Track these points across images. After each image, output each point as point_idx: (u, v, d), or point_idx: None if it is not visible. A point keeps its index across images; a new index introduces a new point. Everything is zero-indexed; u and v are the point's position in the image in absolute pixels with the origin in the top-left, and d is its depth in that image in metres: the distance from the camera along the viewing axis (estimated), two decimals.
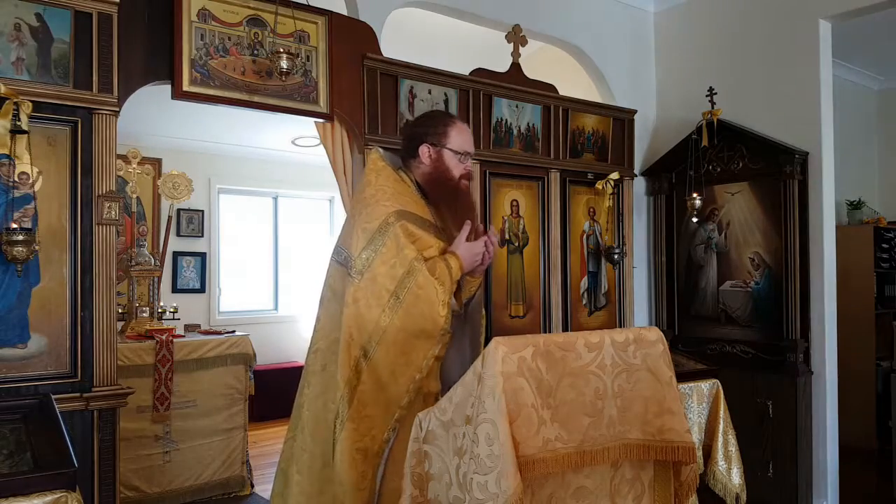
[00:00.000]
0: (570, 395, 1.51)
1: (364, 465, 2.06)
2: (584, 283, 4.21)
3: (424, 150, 2.28)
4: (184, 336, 4.51)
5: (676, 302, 4.73)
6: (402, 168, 2.35)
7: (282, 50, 2.85)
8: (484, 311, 2.50)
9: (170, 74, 2.75)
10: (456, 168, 2.29)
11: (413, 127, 2.43)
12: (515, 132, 3.87)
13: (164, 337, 4.19)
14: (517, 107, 3.87)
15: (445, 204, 2.30)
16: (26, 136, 2.33)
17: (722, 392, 3.27)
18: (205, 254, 6.79)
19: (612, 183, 4.20)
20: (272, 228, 7.59)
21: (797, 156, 4.12)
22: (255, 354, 4.63)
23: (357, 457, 2.06)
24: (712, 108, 4.35)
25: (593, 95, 4.69)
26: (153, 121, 5.68)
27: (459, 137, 2.30)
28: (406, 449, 1.90)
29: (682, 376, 3.08)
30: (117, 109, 2.57)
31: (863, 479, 4.93)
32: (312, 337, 2.30)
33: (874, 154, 6.83)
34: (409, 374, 2.06)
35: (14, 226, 2.29)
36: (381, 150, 2.38)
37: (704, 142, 4.33)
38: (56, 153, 2.45)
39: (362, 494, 2.06)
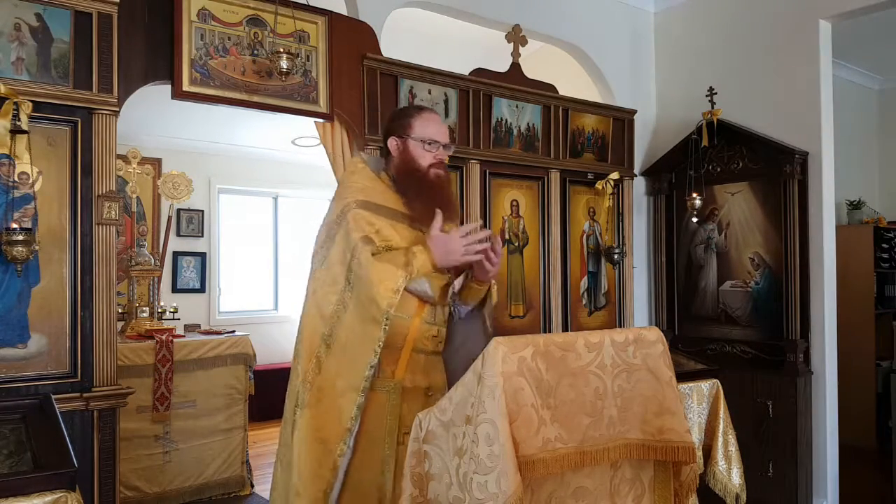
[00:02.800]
0: (570, 395, 1.51)
1: (323, 455, 2.06)
2: (584, 283, 4.21)
3: (392, 143, 2.31)
4: (184, 336, 4.51)
5: (676, 302, 4.73)
6: (385, 169, 2.36)
7: (282, 50, 2.85)
8: (490, 330, 2.39)
9: (170, 74, 2.76)
10: (422, 157, 2.27)
11: (385, 123, 2.45)
12: (515, 132, 3.87)
13: (164, 337, 4.19)
14: (517, 107, 3.87)
15: (414, 193, 2.26)
16: (26, 136, 2.33)
17: (722, 392, 3.27)
18: (205, 254, 6.79)
19: (612, 183, 4.20)
20: (272, 228, 7.59)
21: (797, 156, 4.12)
22: (255, 354, 4.63)
23: (317, 447, 2.07)
24: (712, 108, 4.35)
25: (593, 95, 4.69)
26: (153, 121, 5.68)
27: (423, 126, 2.29)
28: (373, 437, 2.03)
29: (682, 376, 3.08)
30: (117, 109, 2.57)
31: (863, 479, 4.93)
32: (295, 348, 2.30)
33: (874, 154, 6.83)
34: (364, 360, 2.05)
35: (14, 226, 2.29)
36: (364, 154, 2.42)
37: (704, 142, 4.33)
38: (56, 153, 2.45)
39: (319, 483, 2.06)
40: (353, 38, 3.26)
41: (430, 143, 2.28)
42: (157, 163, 6.16)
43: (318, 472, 2.06)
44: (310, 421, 2.08)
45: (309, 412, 2.09)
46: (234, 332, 4.73)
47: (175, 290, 6.52)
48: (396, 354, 2.14)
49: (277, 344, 6.98)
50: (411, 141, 2.28)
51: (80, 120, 2.49)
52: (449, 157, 2.35)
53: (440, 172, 2.30)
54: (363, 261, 2.06)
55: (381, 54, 3.36)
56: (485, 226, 3.73)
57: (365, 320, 2.06)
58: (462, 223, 3.53)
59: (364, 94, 3.26)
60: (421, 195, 2.25)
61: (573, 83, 4.60)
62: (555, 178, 4.04)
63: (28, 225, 2.36)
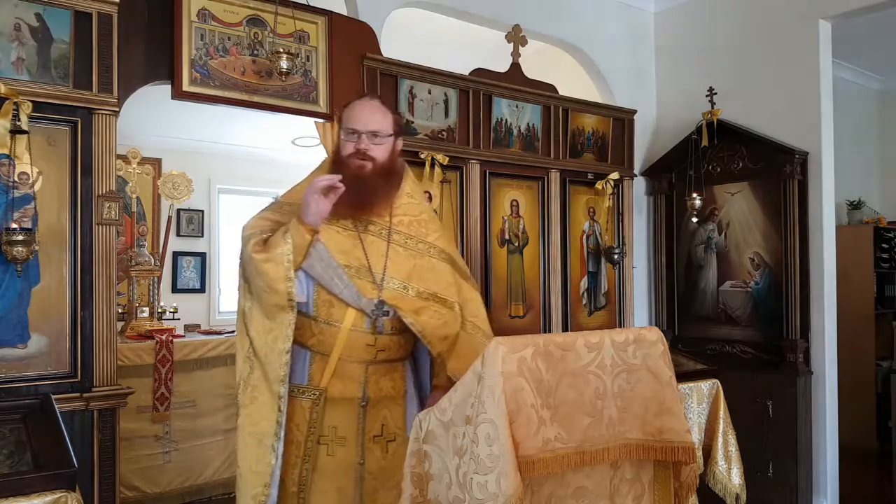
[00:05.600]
0: (569, 395, 1.51)
1: (258, 450, 2.07)
2: (584, 283, 4.21)
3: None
4: (184, 336, 4.51)
5: (676, 302, 4.73)
6: None
7: (282, 50, 2.85)
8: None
9: (170, 74, 2.76)
10: (343, 147, 2.15)
11: None
12: (515, 132, 3.87)
13: (164, 337, 4.19)
14: (517, 107, 3.87)
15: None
16: (26, 136, 2.33)
17: (722, 392, 3.27)
18: (205, 254, 6.79)
19: (612, 183, 4.20)
20: None
21: (797, 156, 4.12)
22: None
23: (250, 441, 2.09)
24: (712, 108, 4.34)
25: (593, 95, 4.69)
26: (153, 121, 5.68)
27: (348, 114, 2.18)
28: (297, 430, 2.05)
29: (682, 376, 3.08)
30: (117, 109, 2.57)
31: (863, 479, 4.93)
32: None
33: (874, 154, 6.83)
34: (278, 348, 2.05)
35: (14, 226, 2.28)
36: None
37: (704, 142, 4.33)
38: (56, 153, 2.45)
39: (258, 478, 2.07)
40: (353, 38, 3.26)
41: (351, 132, 2.14)
42: (157, 163, 6.15)
43: (254, 469, 2.08)
44: (245, 420, 2.11)
45: (244, 412, 2.11)
46: (234, 332, 4.71)
47: (175, 290, 6.51)
48: (324, 361, 2.10)
49: None
50: (341, 131, 2.19)
51: (80, 120, 2.49)
52: (379, 146, 2.14)
53: (361, 164, 2.11)
54: (248, 255, 2.04)
55: (381, 54, 3.36)
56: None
57: (268, 310, 2.05)
58: (461, 222, 3.57)
59: (364, 95, 3.26)
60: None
61: (573, 83, 4.60)
62: (555, 178, 4.04)
63: (28, 225, 2.36)
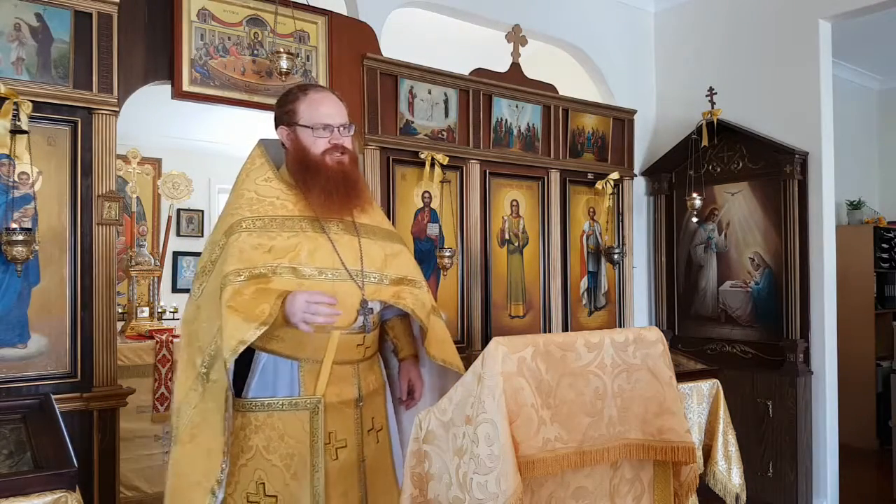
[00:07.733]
0: (569, 395, 1.51)
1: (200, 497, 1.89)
2: (584, 283, 4.21)
3: (282, 133, 2.13)
4: None
5: (676, 302, 4.73)
6: (285, 162, 2.20)
7: (282, 50, 2.85)
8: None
9: (170, 74, 2.76)
10: (314, 144, 2.05)
11: (274, 108, 2.20)
12: (515, 132, 3.87)
13: (164, 337, 4.19)
14: (517, 107, 3.87)
15: (311, 186, 2.05)
16: (26, 136, 2.33)
17: (722, 392, 3.27)
18: None
19: (612, 183, 4.20)
20: None
21: (797, 156, 4.12)
22: None
23: (189, 490, 1.90)
24: (712, 108, 4.34)
25: (593, 95, 4.69)
26: (153, 121, 5.67)
27: (310, 109, 2.07)
28: (297, 444, 1.97)
29: (682, 376, 3.08)
30: (117, 109, 2.57)
31: (863, 479, 4.93)
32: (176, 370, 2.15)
33: (874, 154, 6.83)
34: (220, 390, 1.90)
35: (14, 226, 2.28)
36: (266, 141, 2.23)
37: (704, 142, 4.33)
38: (56, 153, 2.45)
39: None
40: (353, 38, 3.26)
41: (321, 129, 2.05)
42: (157, 163, 6.15)
43: None
44: (180, 459, 1.93)
45: (181, 449, 1.93)
46: None
47: (175, 290, 6.50)
48: (316, 369, 2.00)
49: None
50: (299, 128, 2.07)
51: (80, 120, 2.49)
52: (349, 137, 2.11)
53: (341, 158, 2.07)
54: (224, 299, 1.89)
55: (381, 54, 3.36)
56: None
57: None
58: (461, 222, 3.57)
59: (364, 94, 3.26)
60: (317, 187, 2.04)
61: (573, 83, 4.60)
62: (555, 178, 4.04)
63: (28, 225, 2.36)
